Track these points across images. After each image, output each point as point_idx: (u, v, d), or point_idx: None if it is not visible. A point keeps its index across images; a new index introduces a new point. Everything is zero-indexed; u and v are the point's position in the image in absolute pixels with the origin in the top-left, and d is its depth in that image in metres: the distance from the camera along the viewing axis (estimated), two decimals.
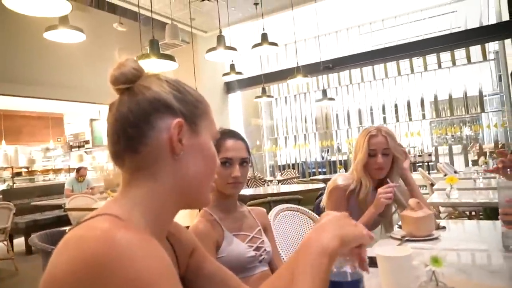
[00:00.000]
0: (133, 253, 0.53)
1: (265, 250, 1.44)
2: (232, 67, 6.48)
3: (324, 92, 7.88)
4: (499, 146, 9.54)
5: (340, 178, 1.99)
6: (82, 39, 3.88)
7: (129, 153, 0.68)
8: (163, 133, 0.69)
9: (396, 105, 10.98)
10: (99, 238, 0.54)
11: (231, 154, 1.40)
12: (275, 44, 5.04)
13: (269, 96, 7.68)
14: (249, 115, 11.68)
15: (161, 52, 4.00)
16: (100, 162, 10.62)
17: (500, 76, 10.03)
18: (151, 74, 0.73)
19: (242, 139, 1.46)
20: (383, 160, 1.91)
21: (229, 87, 10.34)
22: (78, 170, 6.90)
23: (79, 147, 11.19)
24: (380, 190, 1.87)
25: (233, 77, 6.76)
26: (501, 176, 1.38)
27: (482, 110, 10.12)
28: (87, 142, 11.15)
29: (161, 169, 0.69)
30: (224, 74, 6.72)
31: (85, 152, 11.23)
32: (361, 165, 1.93)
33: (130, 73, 0.70)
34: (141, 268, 0.52)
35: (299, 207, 2.24)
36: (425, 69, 10.44)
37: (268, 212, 2.06)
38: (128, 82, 0.70)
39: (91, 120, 11.28)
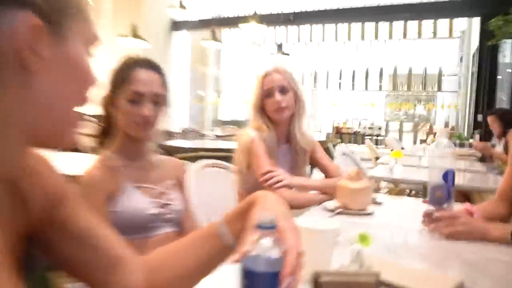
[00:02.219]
0: None
1: (173, 208, 1.31)
2: (180, 2, 6.11)
3: (280, 46, 7.72)
4: (449, 127, 10.07)
5: (249, 131, 1.85)
6: None
7: None
8: (6, 38, 0.48)
9: (354, 72, 11.13)
10: None
11: (142, 88, 1.24)
12: None
13: (217, 41, 7.38)
14: (196, 60, 11.29)
15: None
16: None
17: (462, 57, 10.43)
18: None
19: (159, 71, 1.29)
20: (282, 97, 1.79)
21: (176, 25, 9.84)
22: None
23: None
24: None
25: (178, 13, 6.37)
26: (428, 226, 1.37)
27: (439, 89, 10.55)
28: None
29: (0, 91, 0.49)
30: (170, 7, 6.32)
31: None
32: (256, 109, 1.83)
33: None
34: None
35: (230, 165, 2.13)
36: (390, 36, 10.57)
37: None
38: None
39: None
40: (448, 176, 1.35)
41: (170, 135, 7.19)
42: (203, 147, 5.08)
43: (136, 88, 1.23)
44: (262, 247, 0.58)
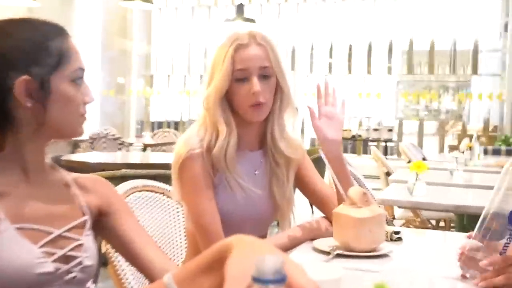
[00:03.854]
0: None
1: (80, 263, 1.27)
2: None
3: (240, 8, 7.76)
4: (489, 128, 10.38)
5: (190, 136, 1.85)
6: None
7: None
8: None
9: (350, 47, 11.31)
10: None
11: (82, 63, 1.31)
12: None
13: (146, 1, 7.33)
14: (112, 32, 11.18)
15: None
16: None
17: (506, 25, 10.80)
18: None
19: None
20: (262, 86, 1.78)
21: None
22: None
23: None
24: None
25: None
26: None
27: (475, 72, 10.89)
28: None
29: None
30: None
31: None
32: (217, 96, 1.80)
33: None
34: None
35: (167, 187, 2.15)
36: None
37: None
38: None
39: None
40: None
41: (72, 144, 7.06)
42: (126, 161, 5.01)
43: (80, 64, 1.29)
44: None
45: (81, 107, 1.29)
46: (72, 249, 1.27)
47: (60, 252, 1.24)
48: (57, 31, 1.28)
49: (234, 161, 1.82)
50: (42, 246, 1.22)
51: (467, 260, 1.41)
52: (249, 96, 1.77)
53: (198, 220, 1.80)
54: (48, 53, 1.23)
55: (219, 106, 1.81)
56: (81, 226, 1.31)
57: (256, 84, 1.77)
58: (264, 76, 1.80)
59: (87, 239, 1.31)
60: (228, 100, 1.82)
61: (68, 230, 1.28)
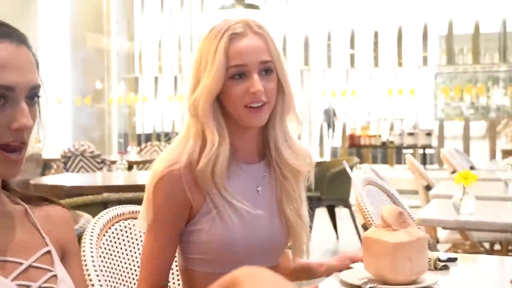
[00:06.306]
0: None
1: None
2: None
3: None
4: None
5: (169, 151, 1.86)
6: None
7: None
8: None
9: (376, 35, 11.32)
10: None
11: (15, 78, 1.22)
12: None
13: None
14: (85, 26, 11.23)
15: None
16: None
17: None
18: None
19: (28, 44, 1.29)
20: (264, 84, 1.77)
21: None
22: None
23: None
24: None
25: None
26: None
27: None
28: None
29: None
30: None
31: None
32: (208, 99, 1.79)
33: None
34: None
35: None
36: None
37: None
38: None
39: None
40: None
41: (42, 164, 7.06)
42: (108, 183, 5.01)
43: (8, 79, 1.21)
44: None
45: (5, 134, 1.22)
46: (46, 281, 1.30)
47: (35, 285, 1.27)
48: None
49: (224, 176, 1.80)
50: (14, 279, 1.25)
51: None
52: (246, 95, 1.77)
53: (143, 253, 1.84)
54: None
55: (211, 111, 1.79)
56: (48, 256, 1.34)
57: (257, 82, 1.76)
58: (266, 71, 1.80)
59: (60, 270, 1.34)
60: (219, 102, 1.82)
61: (38, 260, 1.31)
